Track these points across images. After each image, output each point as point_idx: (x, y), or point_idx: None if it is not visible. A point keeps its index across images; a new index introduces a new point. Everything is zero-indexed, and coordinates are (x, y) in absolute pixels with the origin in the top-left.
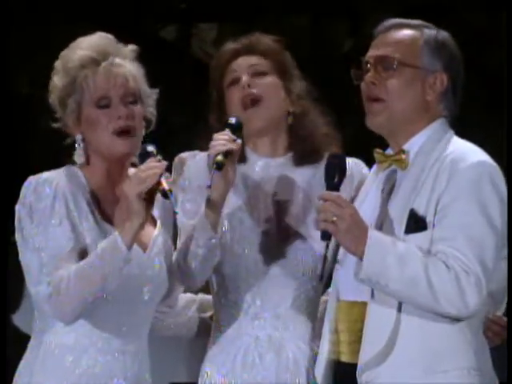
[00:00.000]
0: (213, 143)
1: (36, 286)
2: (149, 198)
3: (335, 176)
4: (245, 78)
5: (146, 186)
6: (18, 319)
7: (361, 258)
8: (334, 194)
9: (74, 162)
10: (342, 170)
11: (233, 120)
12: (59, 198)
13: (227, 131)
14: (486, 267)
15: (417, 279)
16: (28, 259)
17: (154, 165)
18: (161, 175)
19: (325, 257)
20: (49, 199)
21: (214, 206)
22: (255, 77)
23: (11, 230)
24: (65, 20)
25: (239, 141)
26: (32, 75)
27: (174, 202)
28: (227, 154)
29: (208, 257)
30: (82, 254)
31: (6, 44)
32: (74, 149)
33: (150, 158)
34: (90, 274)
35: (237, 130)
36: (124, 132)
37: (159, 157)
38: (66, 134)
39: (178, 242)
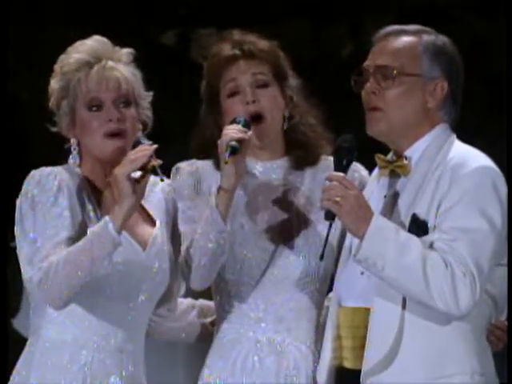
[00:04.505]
0: (225, 131)
1: (29, 271)
2: (140, 181)
3: (343, 159)
4: (249, 92)
5: (136, 166)
6: (17, 323)
7: (361, 240)
8: (340, 174)
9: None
10: (351, 154)
11: (241, 118)
12: (63, 191)
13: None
14: (482, 271)
15: (413, 269)
16: (24, 250)
17: (144, 147)
18: (151, 156)
19: (326, 237)
20: (52, 191)
21: (223, 196)
22: (258, 88)
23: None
24: (64, 25)
25: (250, 132)
26: (31, 80)
27: (162, 175)
28: (239, 141)
29: (218, 252)
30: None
31: (5, 49)
32: (70, 152)
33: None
34: (78, 258)
35: (245, 126)
36: (115, 134)
37: (150, 142)
38: (65, 138)
39: (182, 246)
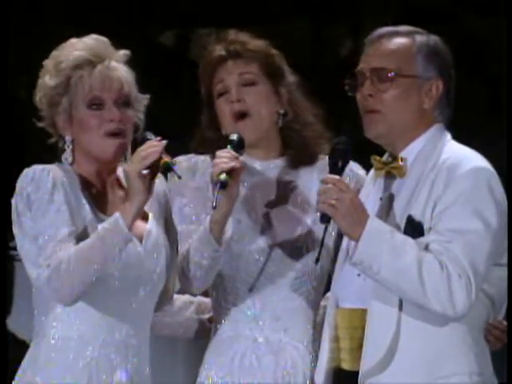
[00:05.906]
0: (215, 161)
1: (36, 269)
2: (150, 177)
3: (338, 161)
4: (234, 91)
5: (148, 163)
6: (11, 323)
7: (357, 242)
8: (336, 177)
9: (61, 162)
10: (346, 156)
11: (234, 137)
12: (58, 187)
13: (229, 148)
14: (477, 272)
15: (409, 271)
16: (26, 248)
17: (154, 144)
18: (161, 153)
19: (322, 240)
20: (47, 188)
21: (217, 223)
22: (244, 87)
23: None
24: (64, 24)
25: (242, 158)
26: (31, 80)
27: (177, 171)
28: (230, 171)
29: (212, 266)
30: (81, 238)
31: (5, 49)
32: (63, 150)
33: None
34: (90, 254)
35: (238, 146)
36: (115, 134)
37: (158, 138)
38: (50, 133)
39: (179, 247)
